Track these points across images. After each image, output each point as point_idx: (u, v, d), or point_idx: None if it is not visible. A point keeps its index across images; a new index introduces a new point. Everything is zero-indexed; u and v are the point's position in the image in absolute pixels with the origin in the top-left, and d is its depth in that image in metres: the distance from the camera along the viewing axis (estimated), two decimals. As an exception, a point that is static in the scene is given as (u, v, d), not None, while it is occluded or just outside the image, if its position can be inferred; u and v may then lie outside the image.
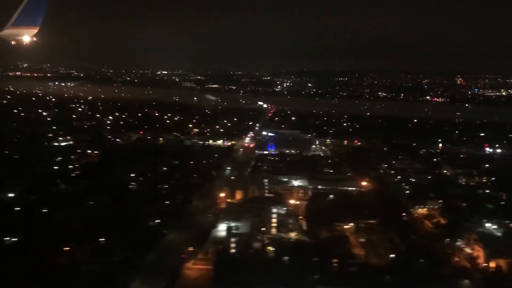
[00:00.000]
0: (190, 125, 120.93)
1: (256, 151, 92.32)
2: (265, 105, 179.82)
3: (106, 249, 43.21)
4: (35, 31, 20.30)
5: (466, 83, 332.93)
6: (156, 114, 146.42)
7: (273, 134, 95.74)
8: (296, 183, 63.03)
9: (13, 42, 20.47)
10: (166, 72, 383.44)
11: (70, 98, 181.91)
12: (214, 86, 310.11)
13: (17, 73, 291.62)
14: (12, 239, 44.20)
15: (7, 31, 19.86)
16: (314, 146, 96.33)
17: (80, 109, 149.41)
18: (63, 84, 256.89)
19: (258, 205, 52.32)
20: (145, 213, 52.97)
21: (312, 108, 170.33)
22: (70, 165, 74.96)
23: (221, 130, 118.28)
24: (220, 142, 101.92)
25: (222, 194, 60.76)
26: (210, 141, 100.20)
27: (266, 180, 63.56)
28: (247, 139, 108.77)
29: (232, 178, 71.42)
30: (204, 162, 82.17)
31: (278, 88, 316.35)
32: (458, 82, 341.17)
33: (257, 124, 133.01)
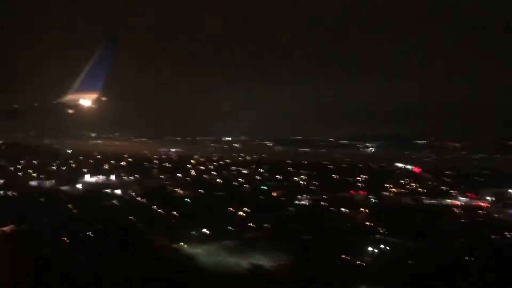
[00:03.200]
0: (387, 185, 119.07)
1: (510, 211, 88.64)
2: (408, 166, 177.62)
3: None
4: (96, 96, 20.15)
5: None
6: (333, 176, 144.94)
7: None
8: None
9: (70, 111, 20.16)
10: (230, 139, 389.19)
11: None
12: (306, 149, 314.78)
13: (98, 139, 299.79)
14: None
15: (69, 97, 20.08)
16: None
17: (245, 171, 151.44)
18: (172, 150, 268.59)
19: None
20: None
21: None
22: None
23: (420, 189, 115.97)
24: (448, 201, 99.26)
25: None
26: (447, 200, 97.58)
27: None
28: (463, 198, 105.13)
29: None
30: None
31: (369, 151, 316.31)
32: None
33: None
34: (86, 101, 20.10)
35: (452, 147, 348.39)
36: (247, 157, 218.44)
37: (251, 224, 69.71)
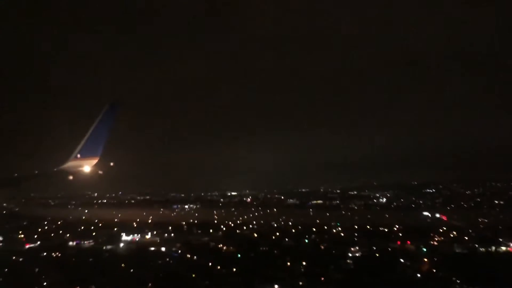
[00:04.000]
0: (429, 234, 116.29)
1: None
2: (437, 215, 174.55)
3: None
4: (95, 161, 20.45)
5: None
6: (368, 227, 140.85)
7: None
8: None
9: (70, 177, 20.24)
10: (235, 193, 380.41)
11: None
12: (319, 201, 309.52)
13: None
14: None
15: (70, 164, 20.39)
16: None
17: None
18: (186, 206, 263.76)
19: None
20: None
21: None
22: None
23: (464, 237, 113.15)
24: (504, 248, 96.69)
25: None
26: (502, 248, 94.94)
27: None
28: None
29: None
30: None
31: (382, 201, 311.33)
32: None
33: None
34: (87, 167, 20.32)
35: (463, 194, 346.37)
36: (268, 211, 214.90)
37: (322, 278, 66.96)
